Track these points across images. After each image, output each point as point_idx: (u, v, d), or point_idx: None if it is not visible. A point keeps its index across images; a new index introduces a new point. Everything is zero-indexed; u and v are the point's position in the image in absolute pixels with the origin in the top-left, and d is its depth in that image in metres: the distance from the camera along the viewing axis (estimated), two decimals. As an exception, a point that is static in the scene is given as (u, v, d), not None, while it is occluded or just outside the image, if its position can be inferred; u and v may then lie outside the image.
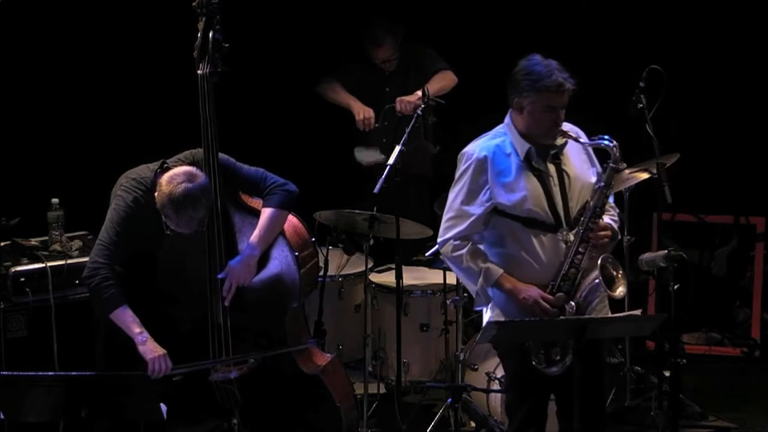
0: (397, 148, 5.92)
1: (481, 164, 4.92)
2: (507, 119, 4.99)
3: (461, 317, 6.33)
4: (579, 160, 5.01)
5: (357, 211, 6.20)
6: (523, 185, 4.90)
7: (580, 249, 4.89)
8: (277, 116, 7.47)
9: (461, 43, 7.51)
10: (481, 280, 4.95)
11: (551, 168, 4.94)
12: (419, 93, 6.65)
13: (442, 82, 6.90)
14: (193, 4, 5.26)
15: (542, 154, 4.94)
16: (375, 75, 7.05)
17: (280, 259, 5.40)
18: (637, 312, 5.07)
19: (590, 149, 5.02)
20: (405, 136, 5.99)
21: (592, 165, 5.03)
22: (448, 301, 6.32)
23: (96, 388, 4.72)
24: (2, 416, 4.75)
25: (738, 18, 7.49)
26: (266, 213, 5.32)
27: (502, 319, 4.96)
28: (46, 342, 5.83)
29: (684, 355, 6.59)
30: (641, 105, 6.08)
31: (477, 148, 4.97)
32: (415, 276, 6.56)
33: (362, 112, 6.95)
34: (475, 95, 7.27)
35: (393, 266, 6.17)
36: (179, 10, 5.42)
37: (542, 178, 4.92)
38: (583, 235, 4.89)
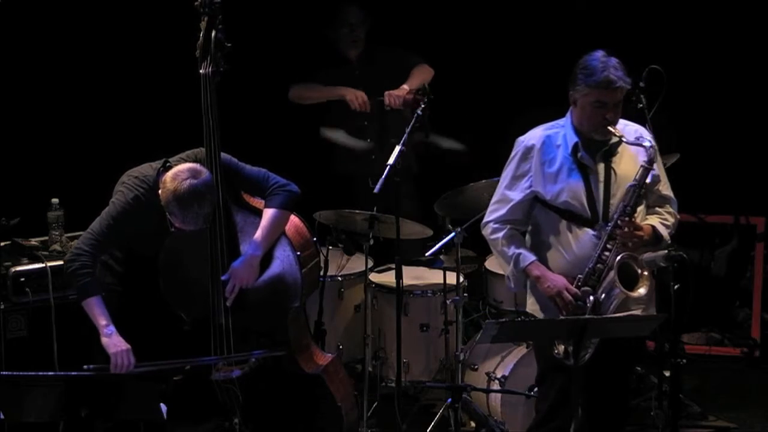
0: (398, 148, 5.90)
1: (528, 152, 5.05)
2: (568, 112, 5.06)
3: (461, 317, 6.33)
4: (636, 161, 5.02)
5: (357, 211, 6.20)
6: (565, 178, 4.99)
7: (608, 245, 4.93)
8: (278, 116, 7.46)
9: (458, 43, 7.52)
10: (511, 264, 5.05)
11: (599, 164, 4.99)
12: (405, 86, 6.69)
13: (423, 75, 6.91)
14: (196, 3, 5.26)
15: (591, 149, 5.00)
16: (344, 77, 7.03)
17: (282, 259, 5.40)
18: (637, 312, 5.07)
19: (652, 152, 5.03)
20: (405, 135, 5.98)
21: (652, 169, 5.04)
22: (448, 301, 6.32)
23: (96, 388, 4.72)
24: (2, 416, 4.74)
25: (738, 18, 7.49)
26: (268, 213, 5.33)
27: (537, 306, 5.07)
28: (46, 342, 5.83)
29: (684, 355, 6.58)
30: (641, 105, 6.08)
31: (529, 136, 5.09)
32: (415, 276, 6.55)
33: (356, 96, 6.93)
34: (473, 96, 7.30)
35: (393, 266, 6.16)
36: (181, 9, 5.41)
37: (586, 172, 4.99)
38: (611, 232, 4.91)
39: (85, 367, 5.02)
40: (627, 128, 5.04)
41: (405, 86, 6.74)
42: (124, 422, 5.04)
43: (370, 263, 6.44)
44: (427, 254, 6.31)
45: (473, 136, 7.42)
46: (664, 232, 5.03)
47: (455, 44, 7.51)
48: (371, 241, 6.24)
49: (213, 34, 5.24)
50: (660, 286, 5.20)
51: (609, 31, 7.43)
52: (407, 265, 6.33)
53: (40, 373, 4.85)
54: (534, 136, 5.08)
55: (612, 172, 4.99)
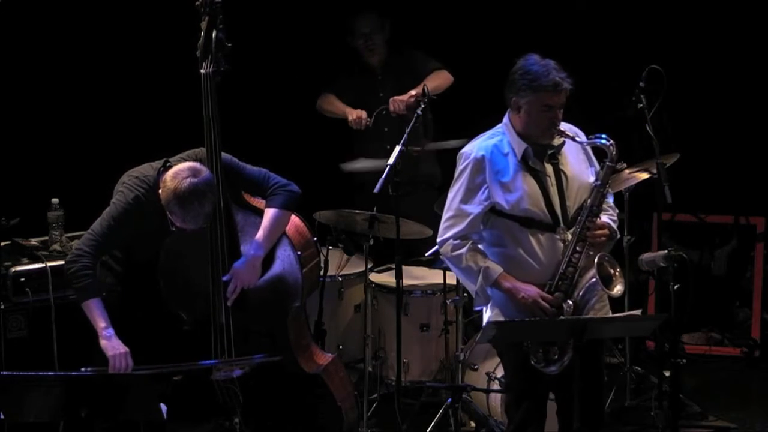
0: (398, 148, 5.92)
1: (479, 164, 4.95)
2: (505, 119, 5.01)
3: (461, 317, 6.33)
4: (577, 160, 5.02)
5: (357, 211, 6.21)
6: (520, 185, 4.92)
7: (577, 248, 4.90)
8: (278, 116, 7.47)
9: (457, 43, 7.52)
10: (480, 279, 4.96)
11: (548, 168, 4.96)
12: (412, 92, 6.65)
13: (438, 80, 6.85)
14: (196, 3, 5.26)
15: (539, 153, 4.96)
16: (367, 83, 7.00)
17: (283, 259, 5.40)
18: (637, 312, 5.07)
19: (589, 149, 5.04)
20: (405, 136, 6.00)
21: (591, 164, 5.05)
22: (448, 301, 6.32)
23: (96, 388, 4.72)
24: (2, 416, 4.74)
25: (738, 18, 7.49)
26: (269, 213, 5.33)
27: (501, 318, 4.97)
28: (46, 342, 5.83)
29: (684, 355, 6.59)
30: (641, 105, 6.08)
31: (475, 147, 4.99)
32: (415, 276, 6.56)
33: (353, 112, 6.91)
34: (473, 96, 7.29)
35: (393, 266, 6.17)
36: (182, 9, 5.41)
37: (539, 177, 4.94)
38: (581, 234, 4.90)
39: (83, 369, 5.02)
40: (562, 126, 4.98)
41: (412, 92, 6.70)
42: (124, 422, 5.03)
43: (370, 263, 6.44)
44: (427, 254, 6.32)
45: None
46: (616, 228, 5.04)
47: (453, 45, 7.50)
48: (371, 241, 6.24)
49: (214, 34, 5.24)
50: (660, 286, 5.20)
51: (609, 31, 7.44)
52: (407, 265, 6.34)
53: (40, 373, 4.83)
54: (480, 147, 4.98)
55: (562, 174, 4.96)
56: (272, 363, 5.34)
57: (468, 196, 4.96)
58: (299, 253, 5.42)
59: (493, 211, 4.96)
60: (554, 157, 4.97)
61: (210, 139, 5.23)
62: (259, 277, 5.33)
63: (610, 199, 5.11)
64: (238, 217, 5.38)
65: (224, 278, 5.25)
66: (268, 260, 5.38)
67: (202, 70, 5.26)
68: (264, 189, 5.36)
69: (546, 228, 4.93)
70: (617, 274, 4.92)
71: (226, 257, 5.27)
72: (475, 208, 4.95)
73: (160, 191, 5.14)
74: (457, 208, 4.99)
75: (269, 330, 5.41)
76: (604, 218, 5.00)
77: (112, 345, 5.15)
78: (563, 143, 4.98)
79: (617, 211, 5.13)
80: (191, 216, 5.08)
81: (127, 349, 5.15)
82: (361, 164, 6.77)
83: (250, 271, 5.27)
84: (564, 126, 4.97)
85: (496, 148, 4.96)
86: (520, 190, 4.91)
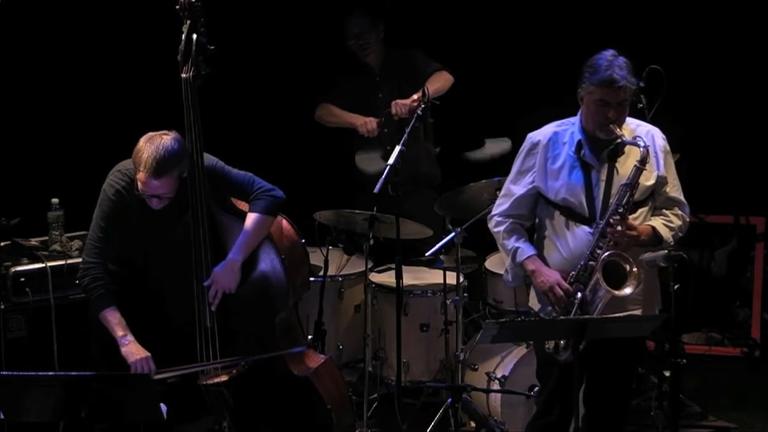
0: (398, 148, 5.91)
1: (533, 148, 5.08)
2: (580, 110, 5.08)
3: (461, 317, 6.33)
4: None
5: (357, 211, 6.20)
6: (565, 174, 5.01)
7: (600, 243, 4.94)
8: (279, 116, 7.46)
9: (456, 43, 7.52)
10: (510, 258, 5.08)
11: (604, 163, 5.00)
12: (414, 96, 6.62)
13: (439, 82, 6.82)
14: (176, 7, 5.20)
15: (596, 148, 5.01)
16: (365, 83, 6.97)
17: (266, 262, 5.34)
18: (637, 312, 5.07)
19: (661, 153, 5.04)
20: (405, 136, 5.99)
21: (657, 169, 5.03)
22: (448, 301, 6.32)
23: (96, 388, 4.71)
24: (2, 416, 4.74)
25: (738, 18, 7.49)
26: (251, 218, 5.28)
27: (535, 301, 5.10)
28: (46, 342, 5.83)
29: (684, 355, 6.58)
30: (641, 105, 6.08)
31: (538, 132, 5.12)
32: (415, 276, 6.55)
33: (365, 122, 6.86)
34: (473, 96, 7.30)
35: (393, 266, 6.16)
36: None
37: (588, 171, 4.99)
38: (603, 230, 4.92)
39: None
40: (639, 128, 5.05)
41: (414, 96, 6.67)
42: (124, 422, 5.03)
43: (370, 263, 6.43)
44: (427, 254, 6.32)
45: (472, 136, 7.43)
46: (666, 234, 5.01)
47: (451, 46, 7.50)
48: (371, 241, 6.24)
49: (194, 37, 5.17)
50: (660, 286, 5.20)
51: (609, 31, 7.43)
52: (407, 265, 6.34)
53: (40, 373, 4.83)
54: (542, 132, 5.10)
55: (615, 171, 4.99)
56: (261, 366, 5.31)
57: (517, 178, 5.12)
58: (283, 256, 5.37)
59: (541, 196, 5.07)
60: (614, 153, 5.00)
61: (191, 143, 5.19)
62: (240, 282, 5.28)
63: (686, 210, 5.10)
64: (224, 221, 5.34)
65: (205, 283, 5.24)
66: (253, 265, 5.33)
67: (182, 75, 5.21)
68: (248, 193, 5.31)
69: (581, 220, 5.00)
70: (633, 273, 4.92)
71: (210, 261, 5.24)
72: (519, 189, 5.10)
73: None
74: (506, 188, 5.17)
75: (256, 333, 5.38)
76: (656, 222, 5.02)
77: (131, 351, 5.16)
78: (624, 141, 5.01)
79: (684, 221, 5.08)
80: (151, 162, 5.02)
81: (149, 354, 5.16)
82: (377, 166, 6.77)
83: (229, 275, 5.24)
84: (640, 127, 5.03)
85: (557, 135, 5.06)
86: (563, 180, 5.01)
